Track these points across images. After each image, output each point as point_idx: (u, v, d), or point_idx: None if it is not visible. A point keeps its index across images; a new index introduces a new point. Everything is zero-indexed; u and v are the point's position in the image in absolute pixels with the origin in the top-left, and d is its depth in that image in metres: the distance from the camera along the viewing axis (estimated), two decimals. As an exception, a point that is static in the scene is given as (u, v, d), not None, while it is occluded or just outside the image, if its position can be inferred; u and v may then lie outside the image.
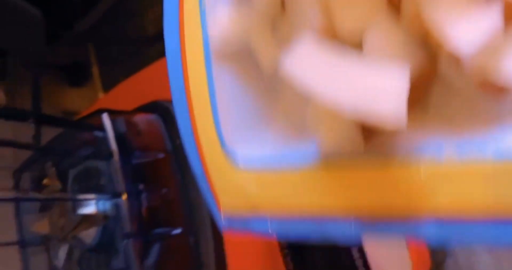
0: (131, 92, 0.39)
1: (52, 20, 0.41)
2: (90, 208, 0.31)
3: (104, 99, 0.53)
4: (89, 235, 0.31)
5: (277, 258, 0.30)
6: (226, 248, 0.31)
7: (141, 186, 0.31)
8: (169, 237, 0.31)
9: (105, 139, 0.31)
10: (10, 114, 0.29)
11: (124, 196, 0.30)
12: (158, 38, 0.24)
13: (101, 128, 0.31)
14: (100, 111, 0.32)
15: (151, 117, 0.34)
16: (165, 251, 0.30)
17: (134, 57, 0.64)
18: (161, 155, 0.33)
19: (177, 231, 0.31)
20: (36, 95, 0.43)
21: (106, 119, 0.31)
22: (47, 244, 0.33)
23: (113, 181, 0.30)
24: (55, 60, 0.63)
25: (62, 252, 0.32)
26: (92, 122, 0.32)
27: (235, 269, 0.31)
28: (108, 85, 0.64)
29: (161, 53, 0.27)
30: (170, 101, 0.35)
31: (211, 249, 0.31)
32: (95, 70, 0.65)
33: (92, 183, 0.31)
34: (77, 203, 0.31)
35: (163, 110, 0.34)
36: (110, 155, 0.30)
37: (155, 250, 0.30)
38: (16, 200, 0.33)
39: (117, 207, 0.30)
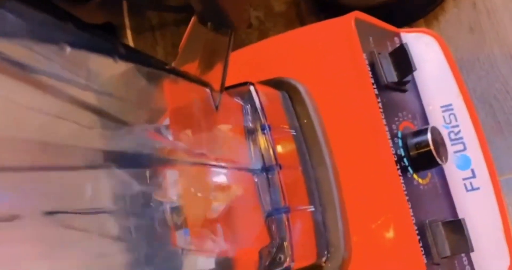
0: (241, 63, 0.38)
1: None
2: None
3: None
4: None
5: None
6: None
7: (277, 162, 0.31)
8: (303, 214, 0.31)
9: (252, 112, 0.31)
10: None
11: (265, 170, 0.30)
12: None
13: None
14: (245, 83, 0.32)
15: (278, 93, 0.34)
16: (298, 228, 0.31)
17: (170, 26, 0.62)
18: (292, 132, 0.33)
19: (311, 208, 0.32)
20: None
21: (253, 91, 0.31)
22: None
23: (260, 154, 0.30)
24: (87, 18, 0.60)
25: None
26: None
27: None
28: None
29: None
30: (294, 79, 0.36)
31: (340, 229, 0.32)
32: (128, 35, 0.63)
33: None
34: (214, 172, 0.31)
35: (290, 88, 0.35)
36: (262, 128, 0.30)
37: (289, 226, 0.30)
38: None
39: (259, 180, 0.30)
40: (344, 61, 0.34)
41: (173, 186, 0.29)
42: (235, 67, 0.29)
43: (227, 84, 0.30)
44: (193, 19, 0.26)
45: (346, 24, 0.34)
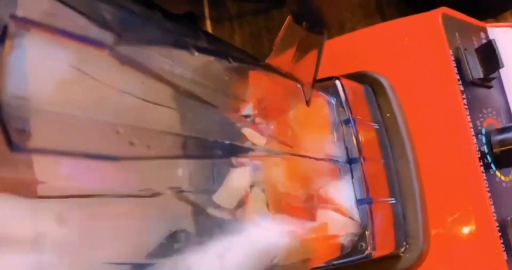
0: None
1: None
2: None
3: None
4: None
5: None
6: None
7: (361, 155, 0.32)
8: (384, 206, 0.32)
9: (337, 105, 0.32)
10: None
11: (349, 162, 0.32)
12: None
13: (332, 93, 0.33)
14: (331, 78, 0.33)
15: (361, 87, 0.35)
16: (380, 218, 0.32)
17: (248, 16, 0.64)
18: (375, 126, 0.34)
19: (392, 200, 0.33)
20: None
21: (339, 85, 0.33)
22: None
23: (344, 146, 0.32)
24: (170, 7, 0.63)
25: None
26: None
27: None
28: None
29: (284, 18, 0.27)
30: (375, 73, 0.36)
31: (419, 221, 0.33)
32: (207, 25, 0.65)
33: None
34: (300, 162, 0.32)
35: (373, 82, 0.35)
36: (345, 121, 0.31)
37: (372, 216, 0.31)
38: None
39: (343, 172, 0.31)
40: (430, 57, 0.35)
41: (256, 175, 0.31)
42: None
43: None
44: (288, 18, 0.28)
45: (433, 20, 0.35)
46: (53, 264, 0.21)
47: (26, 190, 0.15)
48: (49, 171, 0.15)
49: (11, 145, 0.11)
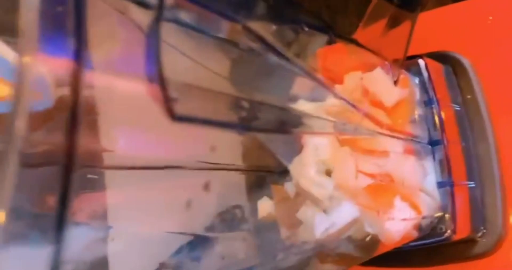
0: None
1: None
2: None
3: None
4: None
5: None
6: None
7: (444, 136, 0.31)
8: (463, 189, 0.32)
9: (419, 85, 0.32)
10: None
11: (431, 143, 0.31)
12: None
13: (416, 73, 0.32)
14: (414, 56, 0.32)
15: (442, 67, 0.34)
16: (459, 202, 0.31)
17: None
18: (458, 107, 0.33)
19: (472, 184, 0.32)
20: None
21: (422, 64, 0.32)
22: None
23: (427, 128, 0.31)
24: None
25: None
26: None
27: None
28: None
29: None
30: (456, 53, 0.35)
31: (498, 206, 0.32)
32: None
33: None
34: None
35: (455, 62, 0.34)
36: (428, 101, 0.31)
37: (453, 199, 0.31)
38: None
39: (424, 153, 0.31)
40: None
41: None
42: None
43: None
44: (378, -6, 0.27)
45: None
46: (119, 233, 0.22)
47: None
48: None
49: (173, 115, 0.11)
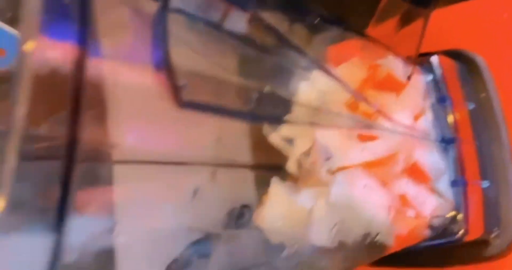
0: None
1: None
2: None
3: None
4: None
5: None
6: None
7: (457, 134, 0.31)
8: (476, 189, 0.31)
9: (432, 83, 0.31)
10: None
11: (444, 141, 0.31)
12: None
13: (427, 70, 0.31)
14: (428, 54, 0.31)
15: (455, 64, 0.34)
16: (472, 202, 0.31)
17: None
18: (471, 106, 0.33)
19: (485, 184, 0.31)
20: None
21: (435, 61, 0.31)
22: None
23: (438, 125, 0.30)
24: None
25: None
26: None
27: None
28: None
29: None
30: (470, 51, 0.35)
31: (512, 206, 0.31)
32: None
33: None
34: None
35: (468, 60, 0.34)
36: (441, 99, 0.30)
37: (466, 199, 0.30)
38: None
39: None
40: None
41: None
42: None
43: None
44: (392, -12, 0.27)
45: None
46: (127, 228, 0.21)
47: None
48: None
49: (180, 101, 0.11)
